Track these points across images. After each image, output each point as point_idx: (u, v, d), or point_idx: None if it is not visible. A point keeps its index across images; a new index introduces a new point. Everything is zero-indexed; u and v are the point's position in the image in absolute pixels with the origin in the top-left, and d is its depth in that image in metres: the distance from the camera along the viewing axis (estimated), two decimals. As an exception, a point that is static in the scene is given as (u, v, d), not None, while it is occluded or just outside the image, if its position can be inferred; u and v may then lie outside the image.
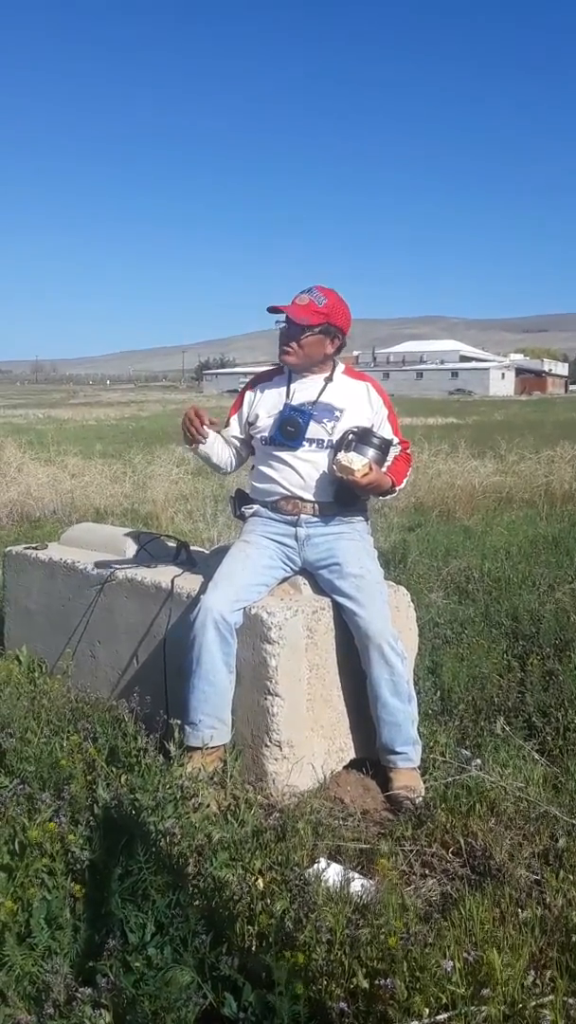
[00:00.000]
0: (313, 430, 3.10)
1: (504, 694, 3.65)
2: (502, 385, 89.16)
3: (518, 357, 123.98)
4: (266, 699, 2.84)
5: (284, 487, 3.14)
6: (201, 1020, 1.71)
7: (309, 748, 2.93)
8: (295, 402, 3.15)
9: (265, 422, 3.18)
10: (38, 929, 1.91)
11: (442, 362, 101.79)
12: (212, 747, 2.85)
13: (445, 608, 4.88)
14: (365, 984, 1.77)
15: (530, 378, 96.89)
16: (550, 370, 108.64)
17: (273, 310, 3.11)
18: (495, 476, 10.19)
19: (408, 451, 3.27)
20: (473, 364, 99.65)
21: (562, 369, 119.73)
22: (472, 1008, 1.69)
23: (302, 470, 3.12)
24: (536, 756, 3.13)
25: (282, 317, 3.10)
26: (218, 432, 3.27)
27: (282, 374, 3.26)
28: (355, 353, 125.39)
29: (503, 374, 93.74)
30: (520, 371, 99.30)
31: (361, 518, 3.25)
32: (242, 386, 3.41)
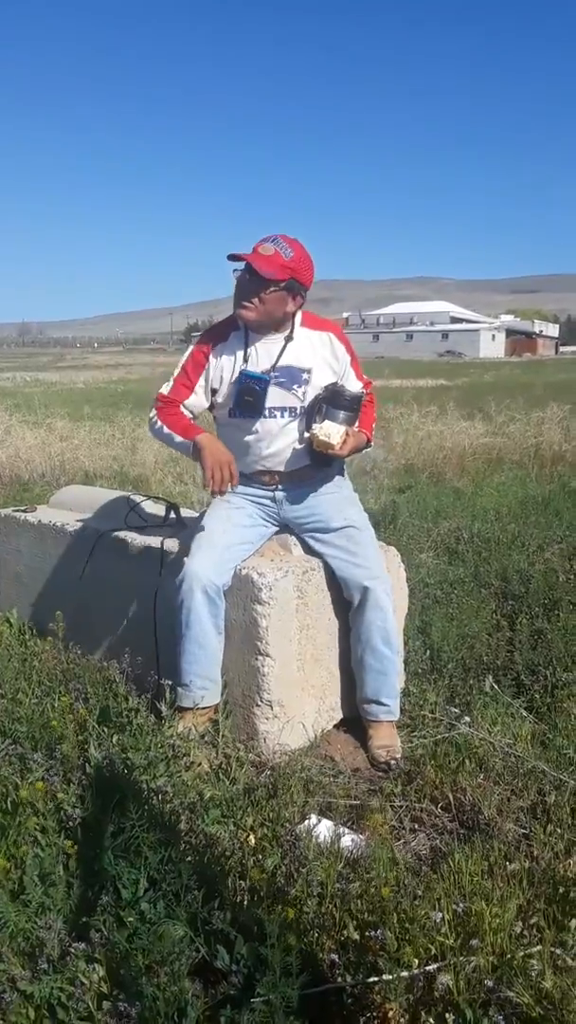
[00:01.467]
0: (280, 397, 2.90)
1: (493, 653, 3.68)
2: (492, 347, 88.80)
3: (508, 318, 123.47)
4: (257, 659, 2.85)
5: (257, 462, 3.00)
6: (194, 973, 1.74)
7: (300, 707, 2.95)
8: (252, 367, 2.89)
9: (227, 391, 2.93)
10: (31, 886, 1.93)
11: (432, 324, 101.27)
12: (203, 707, 2.86)
13: (435, 568, 4.89)
14: (356, 936, 1.79)
15: (520, 339, 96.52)
16: (540, 331, 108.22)
17: (234, 258, 2.77)
18: (485, 438, 10.19)
19: (370, 391, 3.08)
20: (463, 326, 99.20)
21: (552, 330, 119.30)
22: (461, 959, 1.72)
23: (274, 444, 2.96)
24: (524, 713, 3.15)
25: (242, 265, 2.77)
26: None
27: (238, 330, 2.94)
28: (345, 315, 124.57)
29: (493, 336, 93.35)
30: (510, 332, 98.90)
31: (338, 473, 3.13)
32: (195, 342, 3.06)
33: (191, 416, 3.01)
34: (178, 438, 2.93)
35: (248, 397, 2.85)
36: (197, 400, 3.00)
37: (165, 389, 3.00)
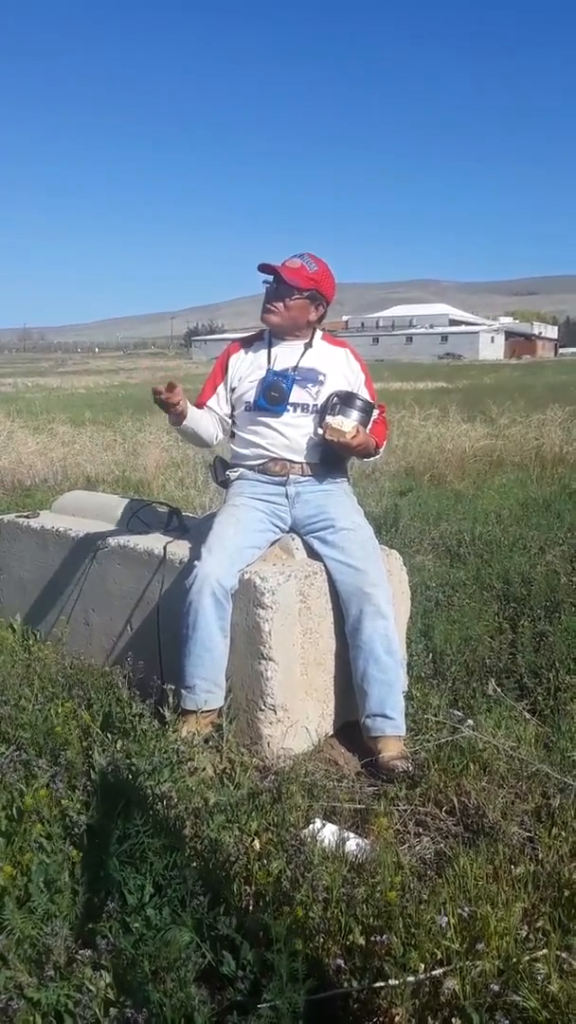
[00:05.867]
0: (297, 395, 3.12)
1: (495, 656, 3.68)
2: (492, 349, 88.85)
3: (508, 320, 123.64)
4: (260, 663, 2.85)
5: (271, 451, 3.16)
6: (200, 979, 1.74)
7: (303, 711, 2.95)
8: (277, 367, 3.16)
9: (247, 387, 3.19)
10: (37, 893, 1.93)
11: (431, 326, 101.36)
12: (207, 711, 2.86)
13: (437, 571, 4.90)
14: (361, 940, 1.79)
15: (520, 341, 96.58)
16: (540, 333, 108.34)
17: (264, 268, 3.09)
18: (486, 440, 10.19)
19: (384, 415, 3.30)
20: (463, 328, 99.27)
21: (552, 332, 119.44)
22: (467, 963, 1.72)
23: (288, 435, 3.14)
24: (527, 716, 3.15)
25: (270, 276, 3.10)
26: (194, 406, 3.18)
27: (261, 340, 3.27)
28: (344, 318, 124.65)
29: (493, 338, 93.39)
30: (510, 335, 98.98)
31: (344, 478, 3.30)
32: (220, 353, 3.39)
33: (215, 414, 3.28)
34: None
35: (274, 393, 3.11)
36: (217, 400, 3.29)
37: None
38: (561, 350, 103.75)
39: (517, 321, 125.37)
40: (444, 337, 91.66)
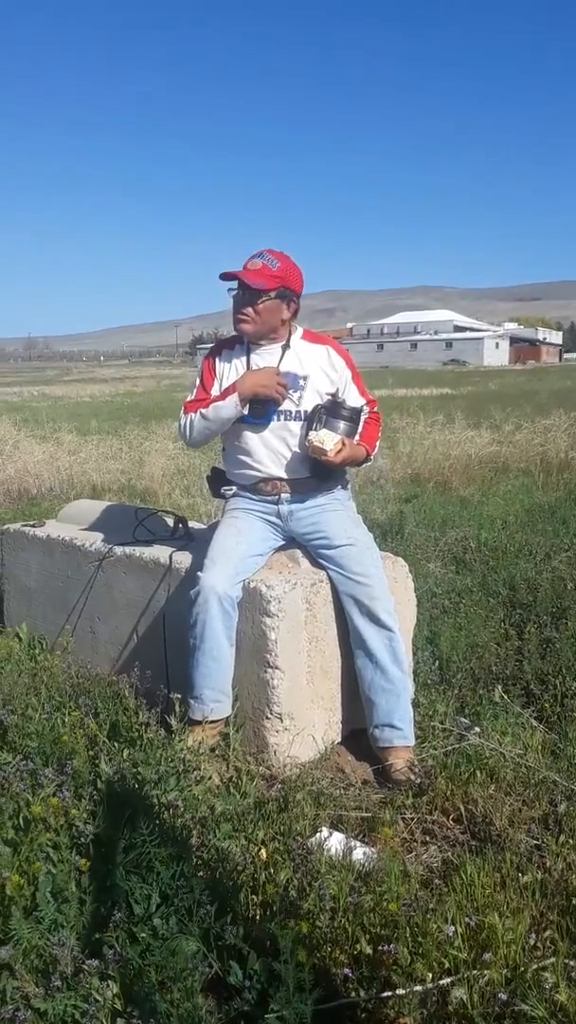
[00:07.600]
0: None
1: (502, 662, 3.67)
2: (496, 355, 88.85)
3: (512, 326, 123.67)
4: (266, 672, 2.85)
5: (260, 470, 3.09)
6: (207, 989, 1.73)
7: (309, 720, 2.94)
8: None
9: None
10: (44, 903, 1.93)
11: (436, 332, 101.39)
12: (213, 720, 2.86)
13: (443, 578, 4.89)
14: (368, 950, 1.79)
15: (524, 347, 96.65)
16: (544, 339, 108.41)
17: (226, 276, 2.97)
18: (491, 446, 10.19)
19: (376, 410, 3.19)
20: (467, 334, 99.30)
21: (556, 338, 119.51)
22: (475, 972, 1.72)
23: (274, 448, 3.06)
24: (534, 723, 3.14)
25: (235, 283, 2.98)
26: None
27: (241, 343, 3.14)
28: (349, 325, 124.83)
29: (497, 344, 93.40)
30: (514, 340, 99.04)
31: (339, 486, 3.20)
32: (204, 356, 3.28)
33: None
34: (223, 403, 3.00)
35: (257, 404, 3.00)
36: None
37: (188, 397, 3.15)
38: (566, 355, 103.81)
39: (522, 327, 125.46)
40: (449, 343, 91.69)
